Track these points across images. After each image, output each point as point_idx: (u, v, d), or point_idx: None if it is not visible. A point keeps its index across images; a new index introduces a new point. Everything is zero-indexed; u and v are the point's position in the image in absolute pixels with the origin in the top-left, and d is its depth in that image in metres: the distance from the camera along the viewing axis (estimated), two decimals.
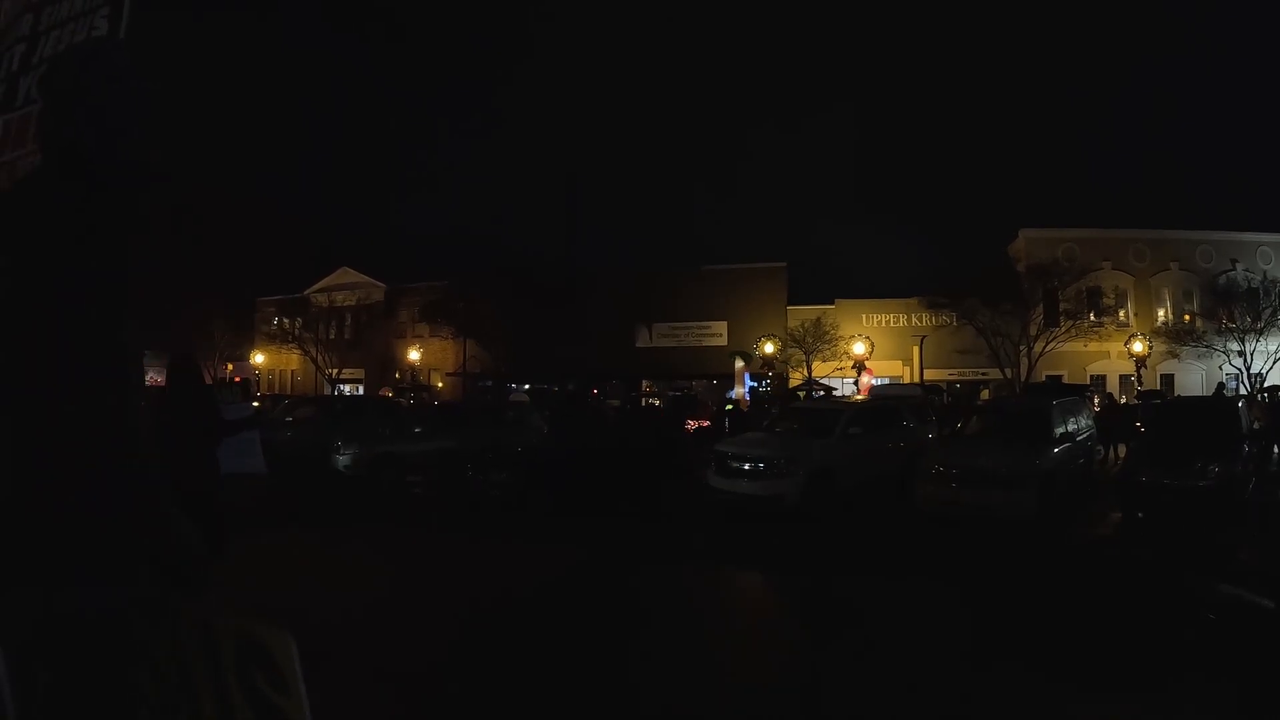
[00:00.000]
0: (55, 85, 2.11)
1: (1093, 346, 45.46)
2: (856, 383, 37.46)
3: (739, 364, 37.44)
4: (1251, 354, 42.85)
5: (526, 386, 41.02)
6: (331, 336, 60.58)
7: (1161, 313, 48.30)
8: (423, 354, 59.23)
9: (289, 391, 59.39)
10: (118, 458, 1.92)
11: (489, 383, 48.41)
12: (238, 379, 53.69)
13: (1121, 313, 47.65)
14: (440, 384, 56.30)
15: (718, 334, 53.86)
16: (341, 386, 58.13)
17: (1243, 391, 38.91)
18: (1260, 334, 42.89)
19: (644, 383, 53.26)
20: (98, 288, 1.91)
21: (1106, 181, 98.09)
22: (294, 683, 1.78)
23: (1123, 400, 35.97)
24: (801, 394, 38.14)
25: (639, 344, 54.62)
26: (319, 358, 58.25)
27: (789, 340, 48.43)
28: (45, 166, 2.09)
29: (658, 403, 49.88)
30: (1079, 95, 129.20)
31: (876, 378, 44.25)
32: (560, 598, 9.35)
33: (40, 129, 2.14)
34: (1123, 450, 22.06)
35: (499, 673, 6.71)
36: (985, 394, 42.55)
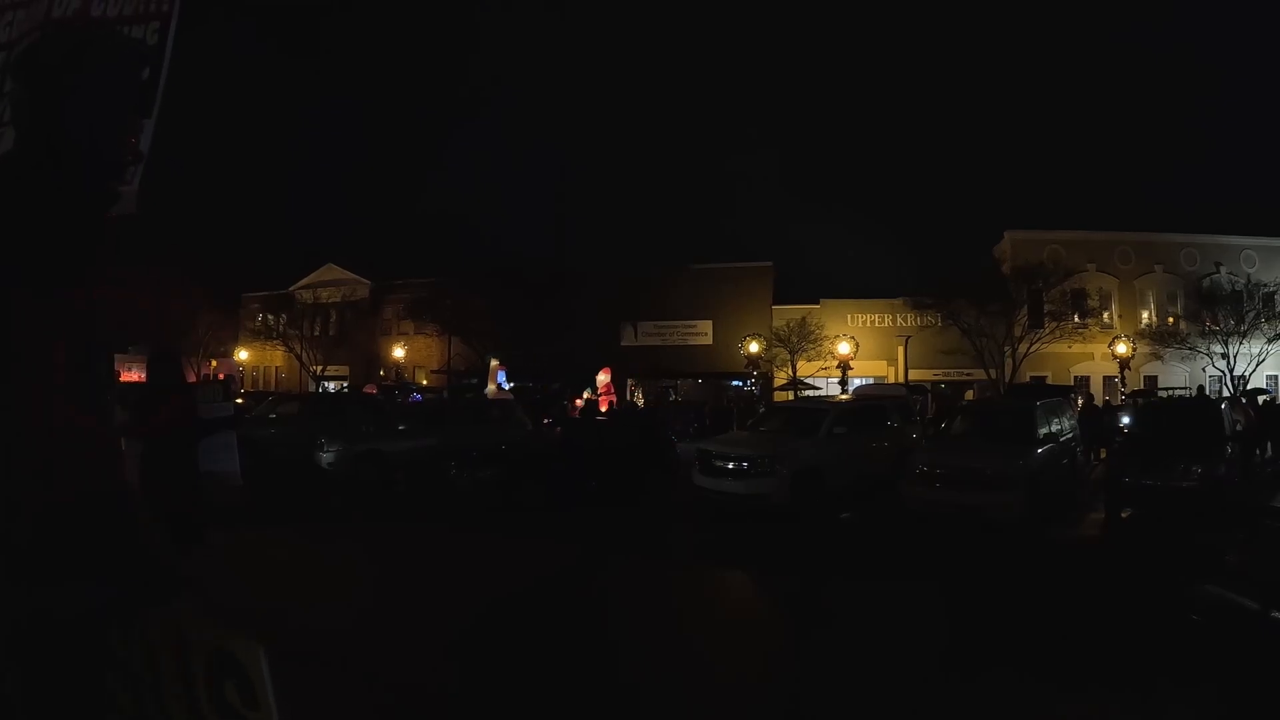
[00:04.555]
0: (39, 67, 1.99)
1: (1077, 348, 45.57)
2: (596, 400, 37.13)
3: (493, 363, 38.54)
4: (1234, 356, 43.05)
5: (511, 385, 40.92)
6: (316, 333, 60.32)
7: (1145, 315, 48.46)
8: (407, 351, 59.12)
9: (273, 388, 59.18)
10: (85, 459, 1.87)
11: (474, 381, 48.29)
12: (220, 376, 53.40)
13: (1106, 314, 47.77)
14: (425, 381, 56.10)
15: (703, 333, 53.85)
16: (326, 384, 57.90)
17: (1225, 393, 39.12)
18: (1243, 337, 43.08)
19: (629, 381, 53.21)
20: (64, 283, 1.85)
21: (1091, 184, 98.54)
22: (264, 696, 1.74)
23: (1106, 400, 36.10)
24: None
25: (624, 342, 54.49)
26: (304, 355, 58.02)
27: (774, 340, 48.47)
28: (17, 153, 2.00)
29: (641, 402, 49.93)
30: (1065, 98, 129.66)
31: (860, 378, 44.35)
32: (546, 600, 9.32)
33: (14, 113, 2.04)
34: (1104, 453, 22.19)
35: (488, 673, 6.67)
36: (970, 394, 42.66)
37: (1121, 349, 41.23)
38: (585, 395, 36.00)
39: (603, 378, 35.75)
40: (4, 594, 1.79)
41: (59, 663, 1.83)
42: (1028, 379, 42.23)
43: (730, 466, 15.52)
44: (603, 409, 32.50)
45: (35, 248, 1.84)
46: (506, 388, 41.08)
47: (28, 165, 1.94)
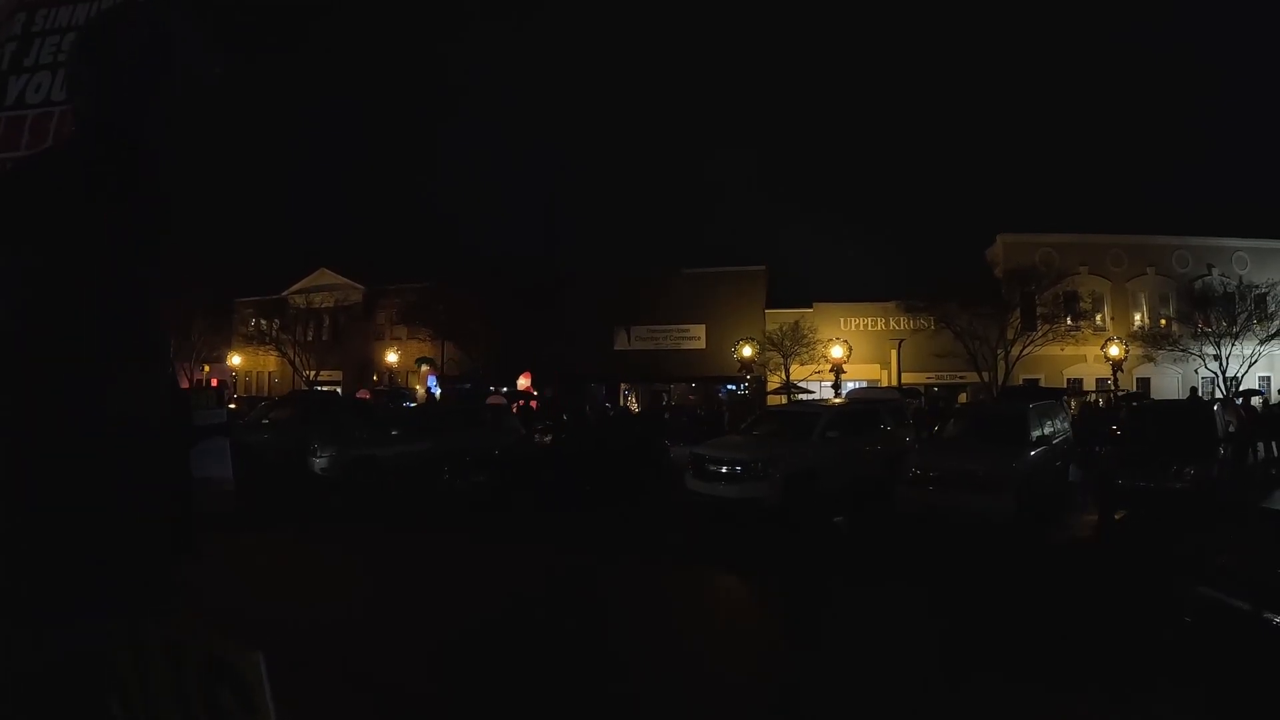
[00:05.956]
0: (99, 54, 1.93)
1: (1070, 350, 45.70)
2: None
3: (424, 368, 39.49)
4: (1227, 358, 43.15)
5: (505, 389, 41.04)
6: (309, 338, 60.29)
7: (1138, 317, 48.58)
8: (401, 356, 58.95)
9: (266, 394, 59.03)
10: (152, 476, 1.84)
11: (468, 385, 48.30)
12: (214, 382, 53.28)
13: (1099, 317, 47.88)
14: (418, 386, 56.05)
15: (696, 337, 53.85)
16: (319, 389, 57.72)
17: (1218, 395, 39.20)
18: (1235, 338, 43.19)
19: (622, 385, 53.23)
20: (136, 285, 1.80)
21: (1087, 186, 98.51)
22: (262, 702, 1.74)
23: (1098, 402, 36.13)
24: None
25: (618, 346, 54.52)
26: (297, 359, 57.94)
27: (767, 344, 48.48)
28: (76, 148, 1.94)
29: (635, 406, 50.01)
30: (1062, 98, 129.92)
31: (854, 381, 44.37)
32: (543, 602, 9.32)
33: (75, 102, 1.97)
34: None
35: (486, 675, 6.68)
36: (963, 397, 42.71)
37: (1114, 351, 41.32)
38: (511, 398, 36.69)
39: (523, 381, 36.42)
40: (18, 638, 1.76)
41: (60, 694, 1.80)
42: (1020, 382, 42.33)
43: (723, 471, 15.51)
44: None
45: (104, 246, 1.80)
46: (436, 393, 41.57)
47: (87, 160, 1.89)
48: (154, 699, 1.84)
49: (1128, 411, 21.95)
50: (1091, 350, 45.61)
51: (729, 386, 50.77)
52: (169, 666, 1.82)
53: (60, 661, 1.75)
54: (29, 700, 1.77)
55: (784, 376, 47.64)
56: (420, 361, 43.97)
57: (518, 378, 37.03)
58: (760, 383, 48.51)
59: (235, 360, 63.66)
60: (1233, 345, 43.27)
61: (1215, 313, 44.22)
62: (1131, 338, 45.87)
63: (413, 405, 36.22)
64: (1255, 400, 31.99)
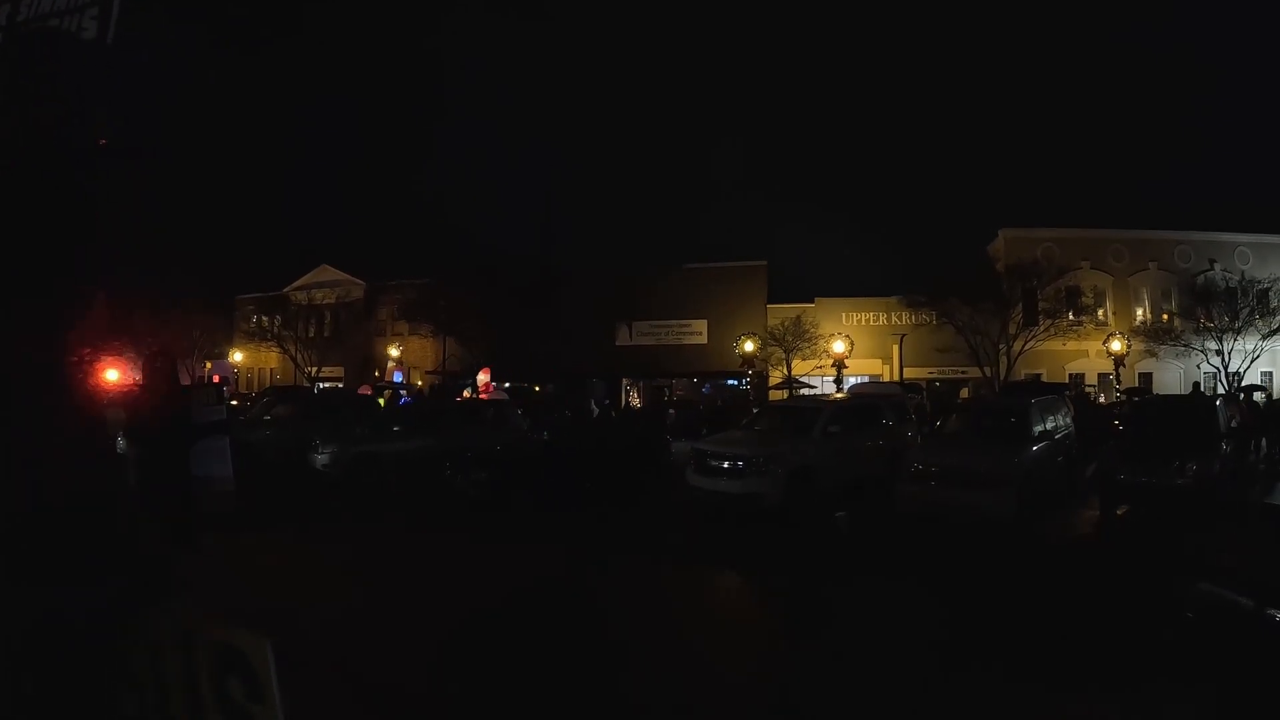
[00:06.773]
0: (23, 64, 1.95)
1: (1071, 345, 45.62)
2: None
3: (390, 363, 40.46)
4: (1229, 353, 43.09)
5: (507, 385, 41.05)
6: (311, 335, 60.27)
7: (1140, 312, 48.51)
8: (402, 352, 58.80)
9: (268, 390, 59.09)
10: (81, 460, 1.85)
11: (468, 381, 48.33)
12: (215, 378, 53.28)
13: (1100, 312, 47.78)
14: (420, 382, 55.96)
15: (698, 332, 53.74)
16: (320, 385, 57.73)
17: (1220, 390, 39.19)
18: (1238, 333, 43.10)
19: (624, 381, 53.15)
20: (41, 283, 1.81)
21: (1087, 182, 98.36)
22: (269, 690, 1.74)
23: (1100, 398, 36.13)
24: None
25: (619, 342, 54.44)
26: (298, 356, 57.93)
27: (769, 339, 48.42)
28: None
29: (637, 402, 50.07)
30: (1062, 96, 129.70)
31: (856, 376, 44.36)
32: (544, 601, 9.32)
33: None
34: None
35: (487, 675, 6.67)
36: (965, 392, 42.67)
37: (1116, 346, 41.28)
38: (465, 394, 36.81)
39: (483, 377, 36.80)
40: (8, 597, 1.78)
41: (69, 667, 1.81)
42: (1022, 377, 42.26)
43: (725, 466, 15.50)
44: None
45: (21, 246, 1.81)
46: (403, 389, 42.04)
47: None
48: (164, 686, 1.85)
49: (1130, 407, 21.92)
50: (1093, 345, 45.55)
51: (730, 382, 50.77)
52: (180, 653, 1.82)
53: (59, 632, 1.77)
54: (42, 689, 1.79)
55: (786, 371, 47.58)
56: (390, 360, 44.44)
57: (477, 373, 37.34)
58: (762, 378, 48.47)
59: (237, 357, 63.70)
60: (1235, 340, 43.17)
61: (1217, 308, 44.15)
62: (1133, 333, 45.81)
63: (410, 400, 36.25)
64: (1257, 396, 32.00)
